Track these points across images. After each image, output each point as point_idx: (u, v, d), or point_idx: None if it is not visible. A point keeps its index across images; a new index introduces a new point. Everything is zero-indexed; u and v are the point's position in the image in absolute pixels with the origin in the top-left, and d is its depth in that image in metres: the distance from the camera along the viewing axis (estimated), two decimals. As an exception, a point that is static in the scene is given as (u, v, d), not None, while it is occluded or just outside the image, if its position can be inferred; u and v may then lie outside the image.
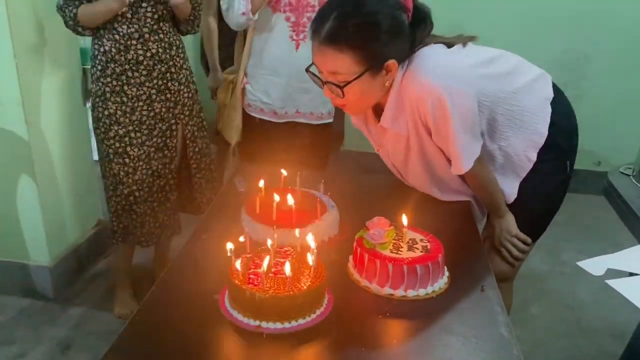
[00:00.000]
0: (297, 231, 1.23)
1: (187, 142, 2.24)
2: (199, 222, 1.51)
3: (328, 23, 1.28)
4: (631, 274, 1.33)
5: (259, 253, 1.16)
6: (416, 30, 1.35)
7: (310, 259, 1.11)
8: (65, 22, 2.02)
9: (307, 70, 1.41)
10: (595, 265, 1.32)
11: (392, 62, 1.32)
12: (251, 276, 1.08)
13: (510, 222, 1.58)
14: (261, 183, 1.43)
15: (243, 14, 2.07)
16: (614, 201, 1.72)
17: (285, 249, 1.18)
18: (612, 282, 1.29)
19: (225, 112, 2.38)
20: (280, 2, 2.10)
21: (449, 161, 1.48)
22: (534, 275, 2.68)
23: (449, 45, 1.44)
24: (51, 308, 2.39)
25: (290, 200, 1.34)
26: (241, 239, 1.19)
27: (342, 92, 1.33)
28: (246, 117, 2.32)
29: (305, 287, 1.05)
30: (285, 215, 1.34)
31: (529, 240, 1.59)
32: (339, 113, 2.32)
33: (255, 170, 1.67)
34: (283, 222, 1.32)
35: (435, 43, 1.41)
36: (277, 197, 1.36)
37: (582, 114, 3.31)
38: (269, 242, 1.14)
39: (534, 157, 1.52)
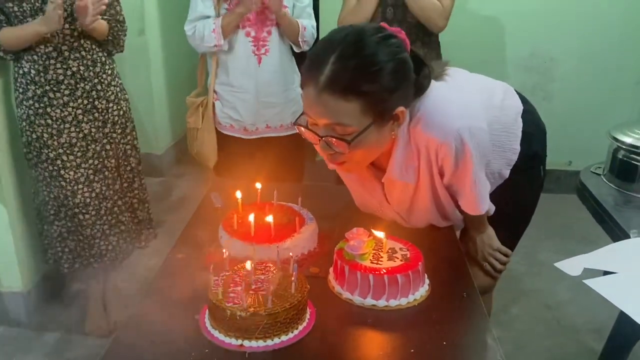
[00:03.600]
0: (276, 246, 1.22)
1: (120, 161, 2.19)
2: (170, 236, 1.48)
3: (327, 67, 1.09)
4: (605, 273, 1.35)
5: (237, 270, 1.14)
6: (419, 74, 1.21)
7: (291, 273, 1.10)
8: None
9: (294, 123, 1.23)
10: (572, 266, 1.34)
11: (401, 110, 1.16)
12: (231, 294, 1.07)
13: (491, 236, 1.55)
14: (238, 194, 1.41)
15: (215, 46, 2.12)
16: (586, 200, 1.75)
17: (265, 264, 1.17)
18: (589, 282, 1.31)
19: (197, 135, 2.33)
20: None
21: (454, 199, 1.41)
22: (512, 276, 2.70)
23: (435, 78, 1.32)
24: (26, 335, 2.32)
25: (269, 215, 1.33)
26: (222, 252, 1.18)
27: (349, 146, 1.14)
28: (219, 135, 2.30)
29: (287, 303, 1.04)
30: (263, 230, 1.33)
31: (509, 252, 1.58)
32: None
33: (231, 185, 1.65)
34: (261, 237, 1.30)
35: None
36: (252, 216, 1.34)
37: (552, 115, 3.40)
38: (248, 263, 1.12)
39: (507, 174, 1.50)
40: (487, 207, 1.39)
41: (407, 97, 1.19)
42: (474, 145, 1.23)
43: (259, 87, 2.19)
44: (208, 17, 2.14)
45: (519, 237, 1.68)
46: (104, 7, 1.94)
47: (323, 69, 1.10)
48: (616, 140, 1.72)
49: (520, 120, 1.50)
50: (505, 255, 1.58)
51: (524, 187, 1.57)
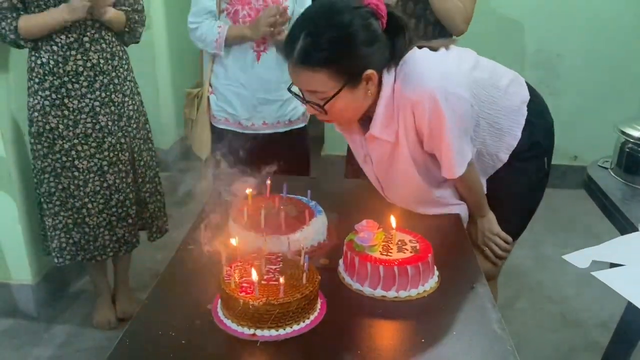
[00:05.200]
0: (287, 237, 1.23)
1: (135, 155, 2.19)
2: (176, 230, 1.50)
3: (299, 43, 1.23)
4: (612, 265, 1.36)
5: (249, 261, 1.16)
6: (394, 38, 1.30)
7: (302, 264, 1.11)
8: (3, 36, 1.89)
9: (289, 89, 1.38)
10: (580, 258, 1.34)
11: (370, 72, 1.28)
12: (244, 284, 1.08)
13: (492, 221, 1.59)
14: (248, 191, 1.42)
15: (214, 53, 2.13)
16: (594, 194, 1.75)
17: (276, 255, 1.18)
18: (597, 274, 1.32)
19: (192, 127, 2.34)
20: (238, 14, 2.11)
21: (438, 168, 1.46)
22: (517, 271, 2.71)
23: (432, 49, 1.41)
24: (35, 327, 2.34)
25: (279, 207, 1.34)
26: (233, 242, 1.19)
27: (324, 109, 1.30)
28: (215, 129, 2.29)
29: (299, 293, 1.05)
30: (273, 222, 1.34)
31: (509, 239, 1.61)
32: (317, 120, 2.33)
33: (239, 178, 1.67)
34: (272, 229, 1.32)
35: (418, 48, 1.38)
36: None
37: (558, 110, 3.37)
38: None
39: (505, 158, 1.53)
40: (461, 171, 1.42)
41: (378, 60, 1.29)
42: (448, 109, 1.30)
43: (256, 83, 2.17)
44: (211, 11, 2.14)
45: (523, 228, 1.69)
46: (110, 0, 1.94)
47: (295, 45, 1.24)
48: (624, 133, 1.72)
49: (525, 108, 1.54)
50: (506, 242, 1.60)
51: (525, 176, 1.59)
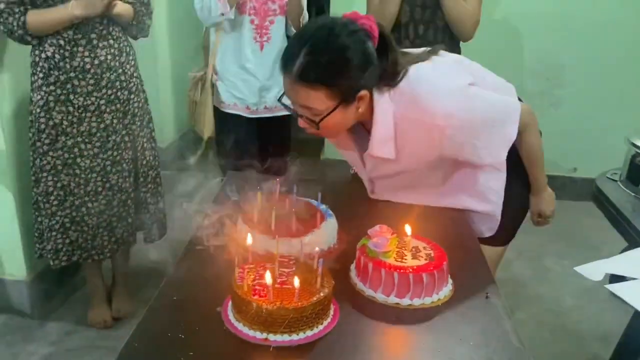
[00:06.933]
0: (299, 240, 1.20)
1: (138, 154, 2.16)
2: (174, 230, 1.47)
3: (299, 60, 1.25)
4: (614, 278, 1.34)
5: (261, 263, 1.13)
6: (384, 56, 1.33)
7: (316, 267, 1.08)
8: (10, 31, 1.84)
9: (279, 100, 1.40)
10: (593, 271, 1.33)
11: (364, 93, 1.31)
12: (257, 287, 1.05)
13: (546, 201, 1.63)
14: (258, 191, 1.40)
15: (222, 14, 2.18)
16: (603, 207, 1.75)
17: (289, 258, 1.15)
18: (611, 287, 1.31)
19: (195, 109, 2.46)
20: (245, 5, 2.23)
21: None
22: (517, 282, 2.70)
23: (421, 59, 1.42)
24: (28, 324, 2.30)
25: (289, 210, 1.32)
26: (248, 240, 1.16)
27: (318, 126, 1.32)
28: (220, 113, 2.42)
29: (313, 298, 1.03)
30: (284, 225, 1.31)
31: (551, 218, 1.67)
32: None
33: (246, 177, 1.64)
34: (283, 231, 1.29)
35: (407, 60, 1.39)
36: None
37: (559, 121, 3.42)
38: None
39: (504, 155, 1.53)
40: (504, 154, 1.43)
41: (370, 81, 1.32)
42: (467, 117, 1.35)
43: (260, 70, 2.31)
44: None
45: (515, 233, 1.71)
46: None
47: (295, 61, 1.25)
48: (634, 146, 1.72)
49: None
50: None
51: (519, 179, 1.59)
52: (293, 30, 2.32)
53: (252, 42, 2.28)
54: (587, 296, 2.52)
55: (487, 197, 1.54)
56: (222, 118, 2.42)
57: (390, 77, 1.35)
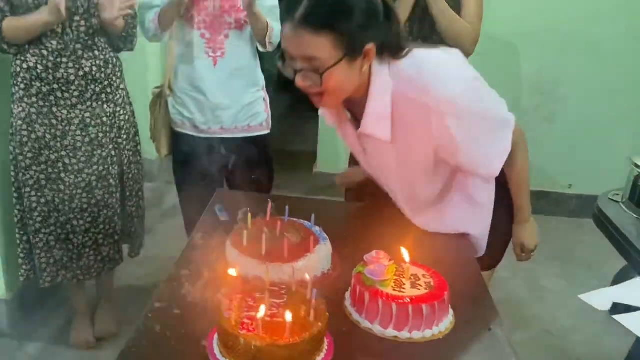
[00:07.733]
0: (290, 266, 1.13)
1: (124, 168, 2.09)
2: (161, 245, 1.39)
3: (302, 3, 1.19)
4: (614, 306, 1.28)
5: (250, 292, 1.05)
6: (390, 22, 1.27)
7: (309, 298, 1.01)
8: None
9: (276, 53, 1.30)
10: (599, 300, 1.28)
11: (370, 47, 1.23)
12: (245, 320, 0.98)
13: (529, 232, 1.54)
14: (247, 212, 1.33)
15: (155, 36, 2.09)
16: (604, 228, 1.69)
17: (280, 287, 1.08)
18: (618, 317, 1.25)
19: (154, 124, 2.32)
20: (194, 19, 2.07)
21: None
22: (514, 302, 2.64)
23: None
24: (7, 344, 2.20)
25: (281, 232, 1.25)
26: (232, 272, 1.09)
27: (321, 79, 1.21)
28: (173, 132, 2.28)
29: (307, 333, 0.95)
30: (275, 248, 1.24)
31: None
32: (312, 134, 2.27)
33: (236, 197, 1.57)
34: (274, 256, 1.22)
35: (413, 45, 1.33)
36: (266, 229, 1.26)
37: (553, 136, 3.38)
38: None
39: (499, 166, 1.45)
40: (500, 165, 1.36)
41: (377, 36, 1.24)
42: (464, 108, 1.27)
43: (213, 88, 2.14)
44: (158, 6, 2.07)
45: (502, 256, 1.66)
46: (130, 11, 1.87)
47: (299, 4, 1.19)
48: (638, 167, 1.67)
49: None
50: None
51: (504, 205, 1.52)
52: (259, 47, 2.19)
53: (204, 58, 2.10)
54: (585, 317, 2.46)
55: (478, 214, 1.49)
56: (176, 136, 2.26)
57: (394, 48, 1.28)
